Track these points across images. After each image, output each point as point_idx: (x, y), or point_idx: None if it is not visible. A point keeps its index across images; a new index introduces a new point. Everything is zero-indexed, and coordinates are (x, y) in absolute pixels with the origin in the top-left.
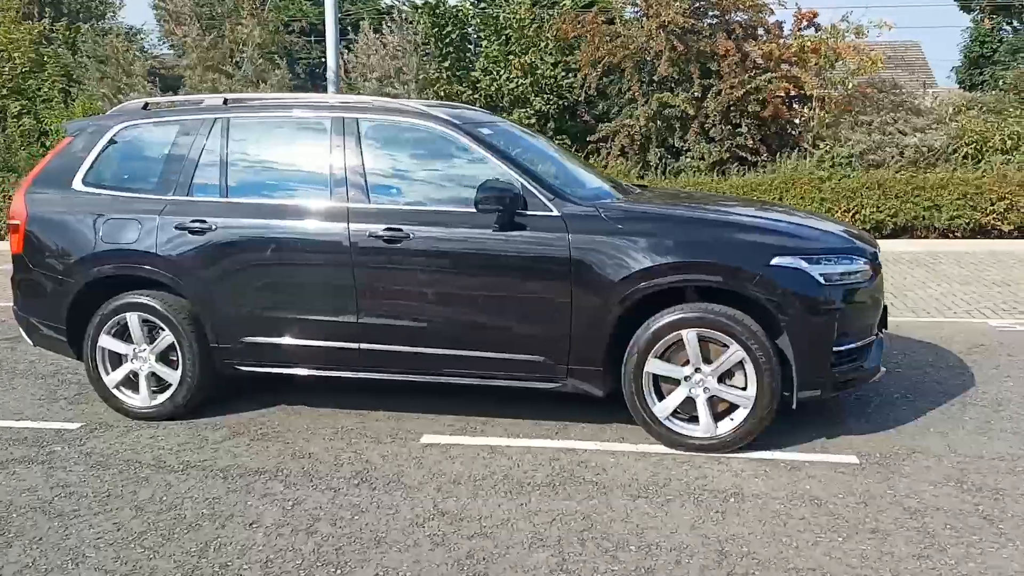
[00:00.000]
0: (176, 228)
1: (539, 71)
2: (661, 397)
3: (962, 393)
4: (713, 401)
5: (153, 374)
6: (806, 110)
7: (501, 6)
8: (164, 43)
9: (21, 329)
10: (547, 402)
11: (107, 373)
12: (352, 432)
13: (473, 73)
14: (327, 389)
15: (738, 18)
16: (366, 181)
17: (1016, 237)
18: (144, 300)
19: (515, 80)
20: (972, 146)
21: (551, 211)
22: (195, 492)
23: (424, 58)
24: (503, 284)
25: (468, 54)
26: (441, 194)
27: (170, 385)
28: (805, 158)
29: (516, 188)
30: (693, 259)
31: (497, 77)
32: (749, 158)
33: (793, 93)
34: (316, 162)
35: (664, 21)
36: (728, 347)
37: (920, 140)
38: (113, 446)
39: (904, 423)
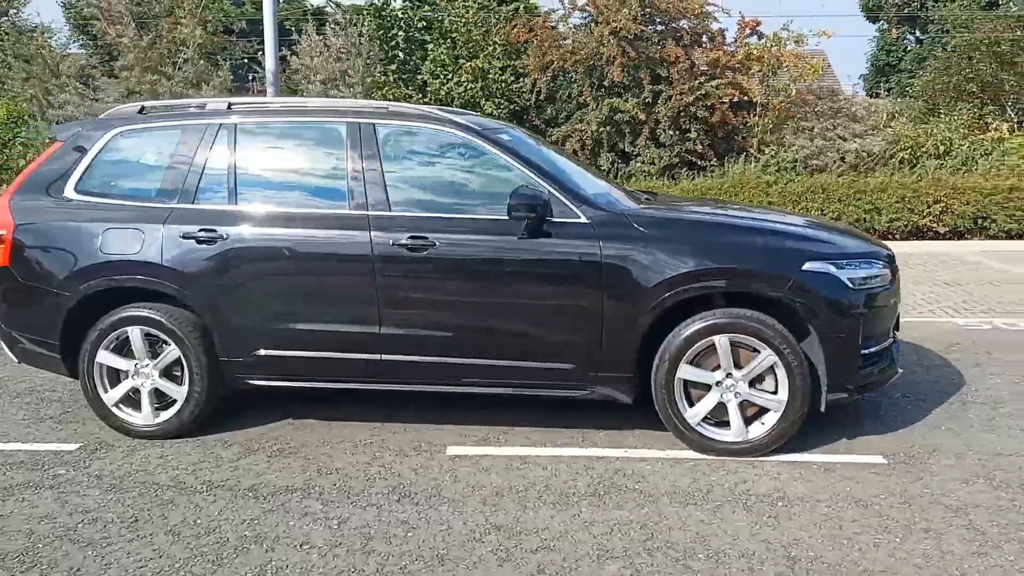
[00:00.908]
0: (183, 237)
1: (490, 76)
2: (691, 403)
3: (958, 392)
4: (743, 405)
5: (156, 390)
6: (751, 116)
7: (447, 10)
8: (75, 42)
9: (3, 344)
10: (561, 410)
11: (106, 391)
12: (372, 445)
13: (420, 76)
14: (332, 401)
15: (684, 25)
16: (386, 188)
17: (950, 239)
18: (147, 313)
19: (464, 84)
20: (907, 151)
21: (579, 218)
22: (229, 513)
23: (369, 61)
24: (532, 292)
25: (415, 57)
26: (464, 201)
27: (174, 401)
28: (751, 163)
29: (545, 195)
30: (728, 265)
31: (446, 81)
32: (698, 163)
33: (738, 99)
34: (332, 169)
35: (616, 27)
36: (759, 352)
37: (860, 145)
38: (123, 467)
39: (915, 423)
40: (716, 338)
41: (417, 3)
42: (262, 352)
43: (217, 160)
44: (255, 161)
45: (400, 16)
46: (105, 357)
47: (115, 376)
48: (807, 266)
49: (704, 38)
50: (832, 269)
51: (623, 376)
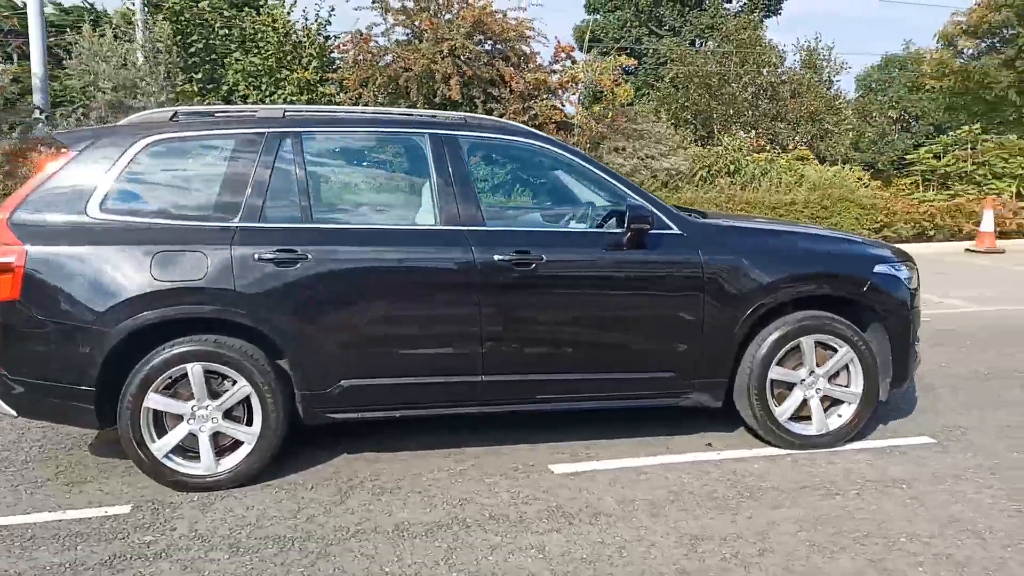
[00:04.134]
0: (257, 260)
1: (318, 89)
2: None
3: (953, 373)
4: (822, 401)
5: (216, 434)
6: (570, 137)
7: (251, 16)
8: None
9: None
10: (617, 421)
11: (153, 440)
12: (468, 472)
13: (224, 86)
14: (368, 431)
15: (500, 48)
16: (478, 202)
17: None
18: (211, 347)
19: (283, 96)
20: (705, 170)
21: (672, 229)
22: (414, 556)
23: (170, 68)
24: (639, 303)
25: (220, 66)
26: (559, 214)
27: (235, 445)
28: None
29: (652, 209)
30: (820, 270)
31: (269, 93)
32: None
33: (559, 120)
34: (415, 182)
35: (453, 46)
36: (837, 350)
37: (672, 164)
38: (221, 525)
39: (937, 404)
40: (803, 339)
41: (217, 9)
42: (345, 383)
43: (284, 173)
44: (328, 174)
45: (198, 22)
46: (155, 401)
47: (161, 422)
48: (877, 268)
49: (520, 60)
50: (893, 271)
51: (718, 381)
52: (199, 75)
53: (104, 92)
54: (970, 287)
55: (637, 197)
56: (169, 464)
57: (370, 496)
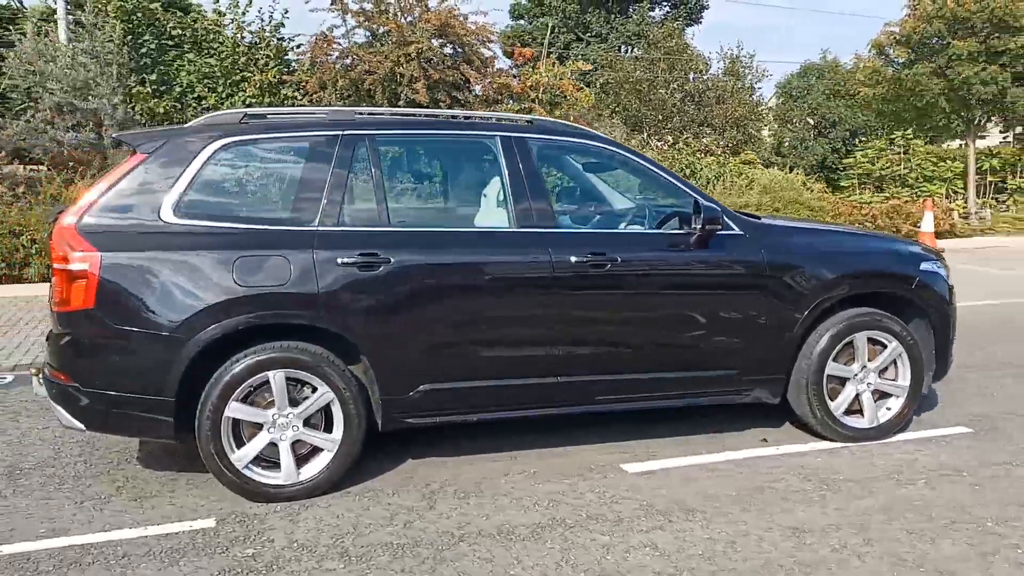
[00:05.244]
0: (341, 264)
1: (280, 91)
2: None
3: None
4: (873, 395)
5: (296, 442)
6: None
7: (203, 17)
8: None
9: (62, 410)
10: (664, 419)
11: (233, 450)
12: (541, 474)
13: (177, 88)
14: (423, 436)
15: (463, 51)
16: (550, 204)
17: None
18: (294, 354)
19: (243, 99)
20: None
21: (734, 230)
22: (528, 557)
23: (121, 69)
24: (708, 302)
25: (172, 67)
26: (620, 214)
27: (311, 454)
28: None
29: (719, 210)
30: (876, 268)
31: (228, 95)
32: None
33: None
34: (486, 184)
35: (421, 48)
36: (887, 345)
37: None
38: (319, 534)
39: (953, 395)
40: (857, 335)
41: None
42: (424, 387)
43: (360, 175)
44: (401, 176)
45: (149, 22)
46: (237, 410)
47: (238, 432)
48: (923, 266)
49: (482, 64)
50: (935, 268)
51: (778, 378)
52: (153, 76)
53: (52, 93)
54: None
55: (703, 198)
56: (250, 475)
57: (457, 500)
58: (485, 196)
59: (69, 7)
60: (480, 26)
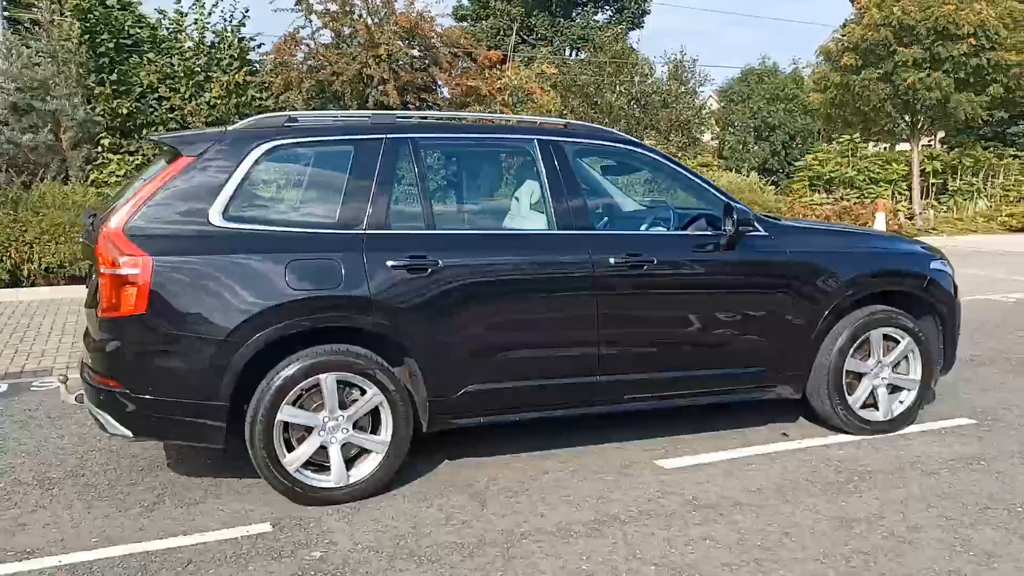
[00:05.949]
0: (391, 266)
1: (247, 92)
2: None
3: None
4: (887, 389)
5: (344, 445)
6: None
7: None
8: None
9: (108, 417)
10: (688, 416)
11: (285, 454)
12: (580, 472)
13: (137, 88)
14: (453, 438)
15: (430, 54)
16: (587, 206)
17: None
18: (345, 357)
19: (208, 99)
20: None
21: (759, 231)
22: (596, 553)
23: (81, 69)
24: (737, 302)
25: (132, 68)
26: (660, 218)
27: (358, 456)
28: None
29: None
30: (889, 268)
31: (193, 96)
32: None
33: None
34: (525, 187)
35: (390, 50)
36: (900, 341)
37: None
38: (381, 536)
39: (958, 389)
40: (873, 332)
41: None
42: (471, 388)
43: (404, 179)
44: (444, 180)
45: (107, 21)
46: (289, 413)
47: (287, 435)
48: (932, 265)
49: (449, 67)
50: (943, 266)
51: (800, 374)
52: (113, 76)
53: (8, 93)
54: None
55: (733, 201)
56: (301, 478)
57: (507, 500)
58: (517, 199)
59: (7, 6)
60: (448, 28)
